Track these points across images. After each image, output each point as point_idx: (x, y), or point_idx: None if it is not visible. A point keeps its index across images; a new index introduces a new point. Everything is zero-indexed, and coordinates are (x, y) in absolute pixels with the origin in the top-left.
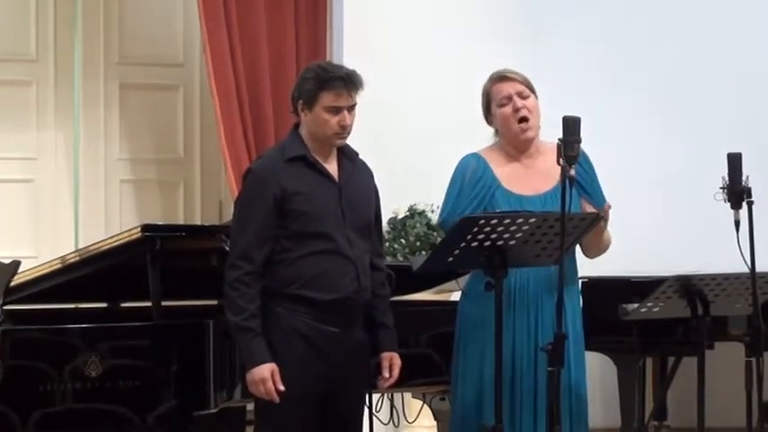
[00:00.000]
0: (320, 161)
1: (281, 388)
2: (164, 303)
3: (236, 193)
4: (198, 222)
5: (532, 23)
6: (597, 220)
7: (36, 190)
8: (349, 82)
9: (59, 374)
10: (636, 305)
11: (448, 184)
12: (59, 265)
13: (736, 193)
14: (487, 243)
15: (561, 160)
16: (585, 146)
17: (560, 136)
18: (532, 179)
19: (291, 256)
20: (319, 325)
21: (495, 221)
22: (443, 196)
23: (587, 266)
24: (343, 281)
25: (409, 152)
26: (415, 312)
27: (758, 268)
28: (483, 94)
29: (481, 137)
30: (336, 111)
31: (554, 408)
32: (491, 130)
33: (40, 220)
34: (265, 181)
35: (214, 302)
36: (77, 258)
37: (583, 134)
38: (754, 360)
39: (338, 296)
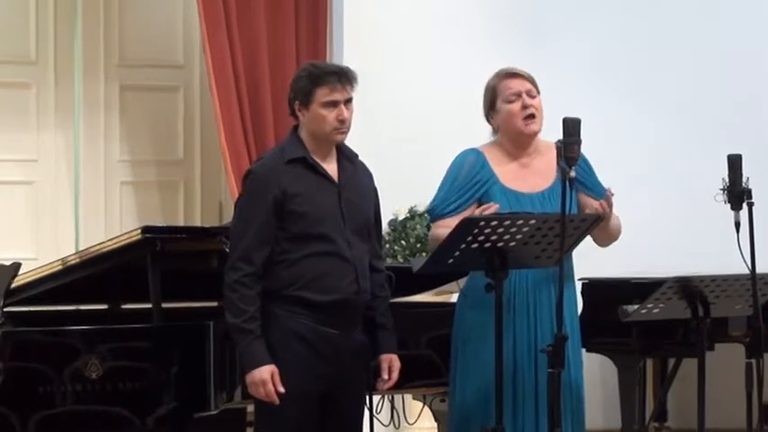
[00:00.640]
0: (320, 163)
1: (281, 390)
2: (164, 305)
3: (237, 195)
4: (198, 224)
5: (532, 24)
6: (597, 222)
7: (36, 192)
8: (342, 75)
9: (60, 376)
10: (636, 306)
11: (443, 176)
12: (60, 267)
13: (737, 194)
14: (488, 245)
15: (561, 162)
16: (585, 148)
17: (560, 137)
18: (530, 177)
19: (291, 258)
20: (319, 326)
21: (495, 223)
22: (436, 189)
23: (588, 267)
24: (343, 282)
25: (409, 153)
26: (415, 314)
27: (758, 269)
28: (487, 90)
29: (481, 138)
30: (333, 105)
31: (555, 408)
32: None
33: (41, 222)
34: (265, 183)
35: (214, 304)
36: (78, 260)
37: (582, 136)
38: (754, 361)
39: (337, 298)
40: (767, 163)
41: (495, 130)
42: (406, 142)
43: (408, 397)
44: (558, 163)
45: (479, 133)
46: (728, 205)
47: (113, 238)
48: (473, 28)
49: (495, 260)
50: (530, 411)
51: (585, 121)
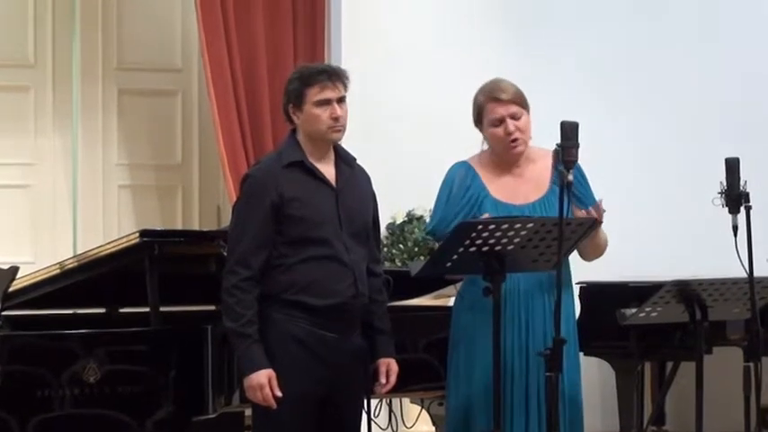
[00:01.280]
0: (318, 166)
1: (279, 394)
2: (162, 309)
3: (234, 199)
4: (196, 228)
5: (530, 28)
6: (595, 225)
7: (34, 195)
8: (332, 74)
9: (58, 380)
10: (634, 310)
11: (437, 194)
12: (58, 271)
13: (735, 197)
14: (485, 248)
15: (559, 165)
16: (583, 151)
17: (558, 141)
18: (521, 188)
19: (288, 262)
20: (316, 330)
21: (493, 227)
22: (433, 208)
23: (586, 272)
24: (341, 286)
25: (407, 157)
26: (413, 318)
27: (756, 273)
28: (474, 104)
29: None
30: (326, 103)
31: (552, 413)
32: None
33: (39, 226)
34: (263, 187)
35: (212, 308)
36: (76, 264)
37: (580, 139)
38: (752, 365)
39: (335, 302)
40: (765, 167)
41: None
42: (405, 146)
43: (406, 400)
44: (555, 167)
45: (478, 137)
46: (726, 209)
47: (111, 242)
48: (472, 31)
49: (493, 264)
50: (520, 417)
51: (582, 124)
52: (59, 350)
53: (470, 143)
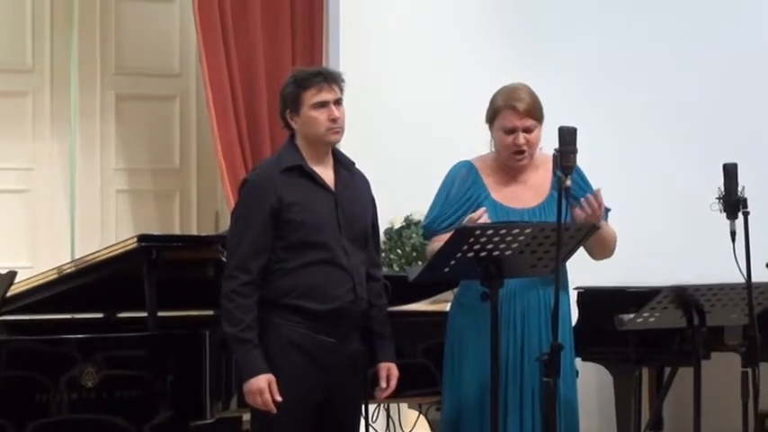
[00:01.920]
0: (317, 170)
1: (278, 399)
2: (160, 314)
3: (233, 204)
4: (194, 232)
5: (531, 32)
6: (593, 230)
7: (32, 200)
8: (327, 76)
9: (55, 385)
10: (632, 315)
11: (437, 190)
12: (55, 276)
13: (732, 203)
14: (483, 253)
15: (557, 170)
16: (581, 156)
17: (556, 146)
18: (523, 192)
19: (288, 267)
20: (315, 335)
21: (491, 232)
22: (430, 204)
23: (584, 277)
24: (340, 291)
25: (406, 162)
26: (410, 323)
27: (754, 278)
28: (491, 105)
29: (479, 146)
30: (323, 105)
31: (550, 418)
32: (488, 139)
33: (37, 231)
34: (262, 191)
35: (210, 313)
36: (73, 269)
37: (579, 144)
38: (750, 370)
39: (334, 306)
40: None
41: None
42: (403, 150)
43: (404, 406)
44: (553, 172)
45: (476, 141)
46: (724, 214)
47: (109, 247)
48: (470, 36)
49: (491, 269)
50: (514, 422)
51: (582, 128)
52: (57, 355)
53: (469, 148)
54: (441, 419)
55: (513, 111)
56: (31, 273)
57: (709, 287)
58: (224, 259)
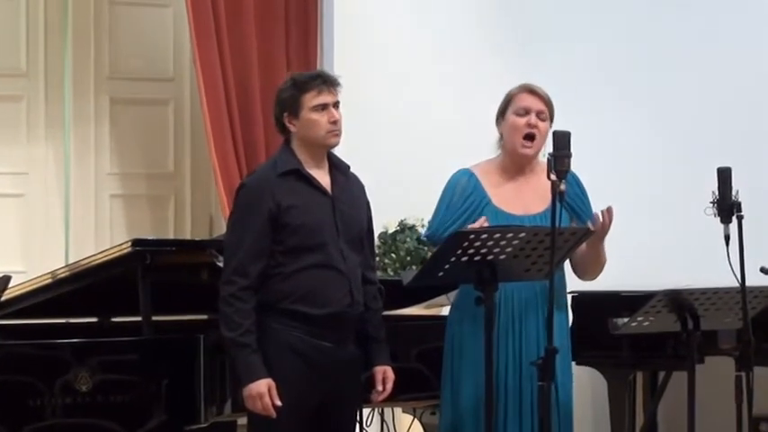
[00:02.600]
0: (313, 174)
1: (278, 403)
2: (154, 318)
3: (227, 208)
4: (188, 237)
5: (527, 38)
6: (587, 235)
7: (26, 205)
8: (326, 78)
9: (50, 389)
10: (626, 319)
11: (438, 199)
12: (50, 280)
13: (726, 207)
14: (477, 258)
15: (551, 175)
16: (575, 161)
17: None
18: (524, 199)
19: (285, 271)
20: (313, 340)
21: (485, 236)
22: (432, 213)
23: (577, 281)
24: (337, 295)
25: (400, 166)
26: (405, 327)
27: (748, 282)
28: (505, 97)
29: (472, 150)
30: (323, 108)
31: (545, 422)
32: (484, 145)
33: (31, 235)
34: (260, 195)
35: (205, 317)
36: (68, 273)
37: (573, 149)
38: (744, 374)
39: (332, 310)
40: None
41: (501, 138)
42: (397, 154)
43: (398, 410)
44: (548, 176)
45: (470, 146)
46: (718, 218)
47: (103, 252)
48: (467, 40)
49: (485, 273)
50: (513, 428)
51: (576, 133)
52: (51, 359)
53: (464, 151)
54: (439, 425)
55: (529, 93)
56: (25, 277)
57: (704, 291)
58: (218, 264)
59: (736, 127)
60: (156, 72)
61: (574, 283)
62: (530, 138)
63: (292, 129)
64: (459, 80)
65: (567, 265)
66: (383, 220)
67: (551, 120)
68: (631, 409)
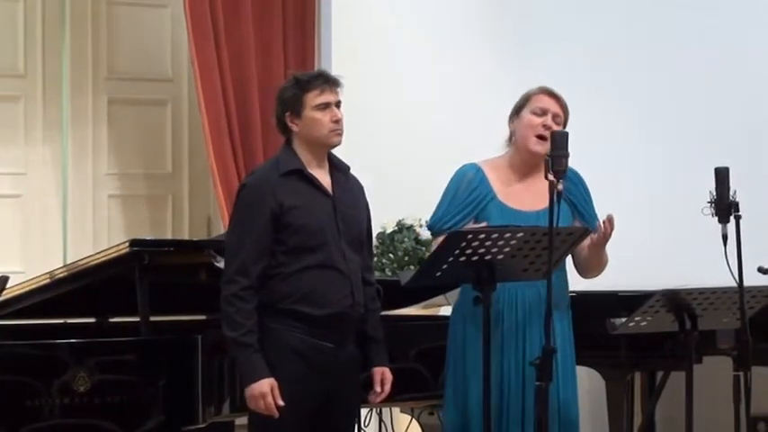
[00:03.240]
0: (314, 174)
1: (281, 403)
2: (152, 318)
3: (225, 209)
4: (186, 237)
5: (527, 38)
6: (585, 235)
7: (24, 205)
8: (328, 77)
9: (47, 390)
10: (624, 319)
11: (443, 191)
12: (48, 281)
13: (724, 207)
14: (475, 258)
15: (549, 175)
16: (573, 159)
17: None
18: (530, 195)
19: (287, 271)
20: (313, 340)
21: (482, 236)
22: (436, 204)
23: (575, 281)
24: (338, 295)
25: (398, 167)
26: (403, 327)
27: (746, 282)
28: (522, 96)
29: (470, 150)
30: (325, 106)
31: (543, 422)
32: (484, 145)
33: (29, 236)
34: (261, 195)
35: (203, 317)
36: (66, 273)
37: (571, 149)
38: (741, 374)
39: (333, 311)
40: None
41: (511, 136)
42: (396, 154)
43: (396, 410)
44: (545, 176)
45: (470, 146)
46: (716, 218)
47: (101, 252)
48: (465, 39)
49: (483, 273)
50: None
51: (574, 132)
52: (49, 360)
53: (464, 151)
54: (443, 425)
55: (549, 95)
56: (24, 277)
57: (701, 291)
58: (216, 264)
59: (734, 127)
60: (154, 73)
61: (571, 284)
62: (542, 138)
63: (294, 128)
64: (459, 80)
65: (570, 267)
66: (381, 220)
67: (564, 126)
68: (629, 409)
